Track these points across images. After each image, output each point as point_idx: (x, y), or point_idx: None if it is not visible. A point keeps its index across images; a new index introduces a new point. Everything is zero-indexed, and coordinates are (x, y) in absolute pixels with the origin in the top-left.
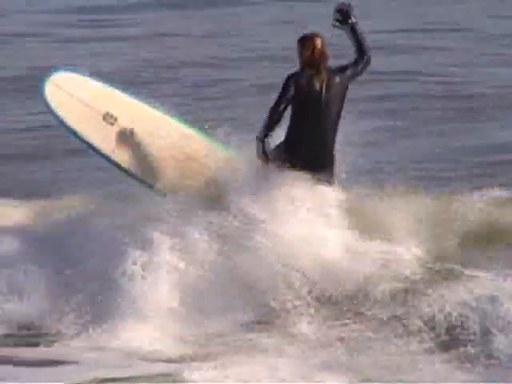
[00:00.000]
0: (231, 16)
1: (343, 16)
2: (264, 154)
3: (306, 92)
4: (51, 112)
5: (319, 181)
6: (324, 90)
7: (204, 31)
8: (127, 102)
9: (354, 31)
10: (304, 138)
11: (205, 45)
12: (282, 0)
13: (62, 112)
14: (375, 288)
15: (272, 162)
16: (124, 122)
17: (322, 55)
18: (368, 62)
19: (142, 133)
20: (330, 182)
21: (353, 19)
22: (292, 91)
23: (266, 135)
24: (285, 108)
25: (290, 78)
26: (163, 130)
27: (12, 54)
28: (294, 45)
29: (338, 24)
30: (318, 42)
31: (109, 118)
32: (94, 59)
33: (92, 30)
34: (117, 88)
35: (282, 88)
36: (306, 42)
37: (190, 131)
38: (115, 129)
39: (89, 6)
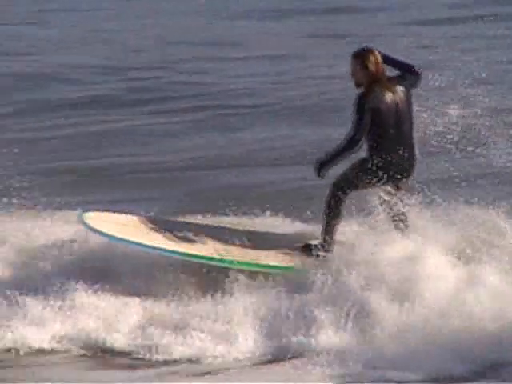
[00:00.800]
0: None
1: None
2: (324, 172)
3: (383, 108)
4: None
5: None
6: (397, 100)
7: None
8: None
9: (389, 62)
10: (393, 148)
11: None
12: None
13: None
14: None
15: (361, 181)
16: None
17: (383, 67)
18: (419, 77)
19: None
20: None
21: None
22: (370, 112)
23: (343, 157)
24: (367, 131)
25: (364, 99)
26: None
27: None
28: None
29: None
30: (377, 54)
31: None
32: None
33: None
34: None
35: (361, 111)
36: (368, 56)
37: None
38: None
39: None
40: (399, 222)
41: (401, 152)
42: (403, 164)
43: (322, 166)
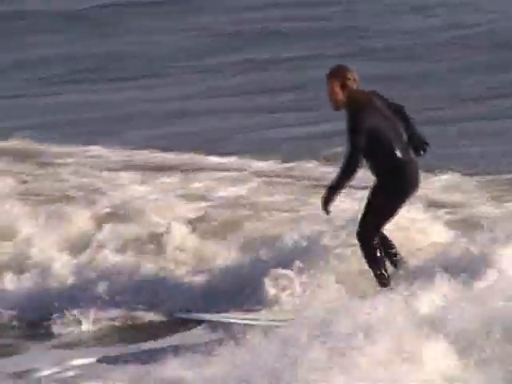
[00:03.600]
0: None
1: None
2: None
3: (378, 123)
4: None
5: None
6: (382, 109)
7: None
8: None
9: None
10: (404, 155)
11: None
12: None
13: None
14: None
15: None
16: None
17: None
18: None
19: None
20: None
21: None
22: (367, 132)
23: (345, 181)
24: (371, 153)
25: (357, 118)
26: None
27: None
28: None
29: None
30: (353, 70)
31: None
32: None
33: None
34: None
35: (356, 130)
36: (346, 74)
37: None
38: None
39: None
40: (395, 255)
41: (409, 156)
42: (416, 168)
43: (325, 202)
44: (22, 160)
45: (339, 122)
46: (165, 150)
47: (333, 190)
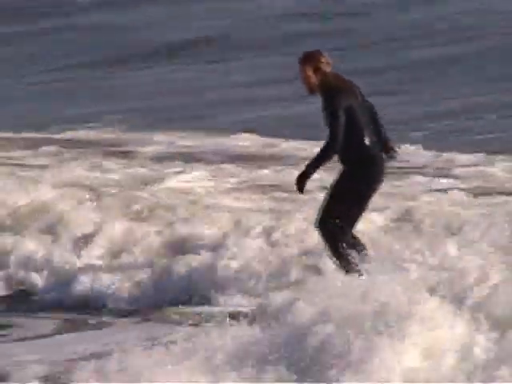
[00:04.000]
0: None
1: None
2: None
3: (354, 104)
4: None
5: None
6: (356, 93)
7: None
8: None
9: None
10: (373, 143)
11: None
12: None
13: None
14: None
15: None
16: None
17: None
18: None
19: None
20: None
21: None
22: (344, 112)
23: (323, 162)
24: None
25: (334, 100)
26: None
27: None
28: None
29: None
30: (325, 54)
31: None
32: None
33: None
34: None
35: (335, 112)
36: (319, 58)
37: None
38: None
39: None
40: (361, 247)
41: (376, 145)
42: (382, 157)
43: (300, 180)
44: (98, 149)
45: (429, 106)
46: (251, 133)
47: (309, 170)
